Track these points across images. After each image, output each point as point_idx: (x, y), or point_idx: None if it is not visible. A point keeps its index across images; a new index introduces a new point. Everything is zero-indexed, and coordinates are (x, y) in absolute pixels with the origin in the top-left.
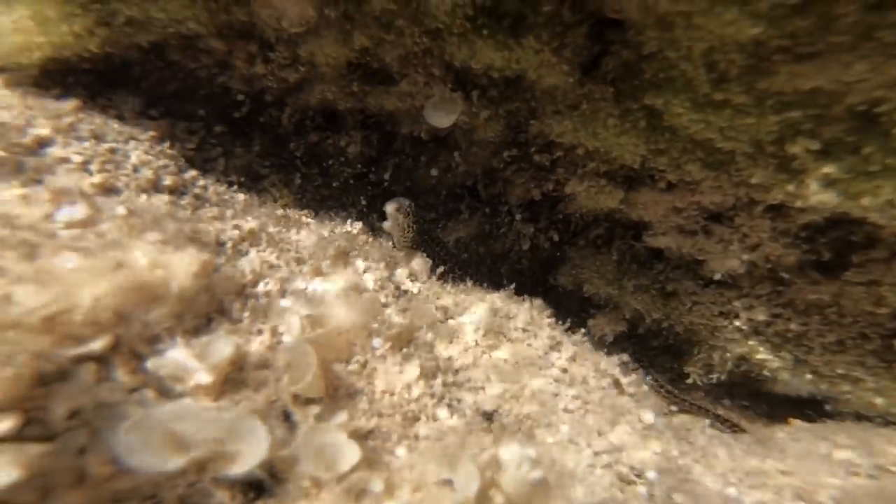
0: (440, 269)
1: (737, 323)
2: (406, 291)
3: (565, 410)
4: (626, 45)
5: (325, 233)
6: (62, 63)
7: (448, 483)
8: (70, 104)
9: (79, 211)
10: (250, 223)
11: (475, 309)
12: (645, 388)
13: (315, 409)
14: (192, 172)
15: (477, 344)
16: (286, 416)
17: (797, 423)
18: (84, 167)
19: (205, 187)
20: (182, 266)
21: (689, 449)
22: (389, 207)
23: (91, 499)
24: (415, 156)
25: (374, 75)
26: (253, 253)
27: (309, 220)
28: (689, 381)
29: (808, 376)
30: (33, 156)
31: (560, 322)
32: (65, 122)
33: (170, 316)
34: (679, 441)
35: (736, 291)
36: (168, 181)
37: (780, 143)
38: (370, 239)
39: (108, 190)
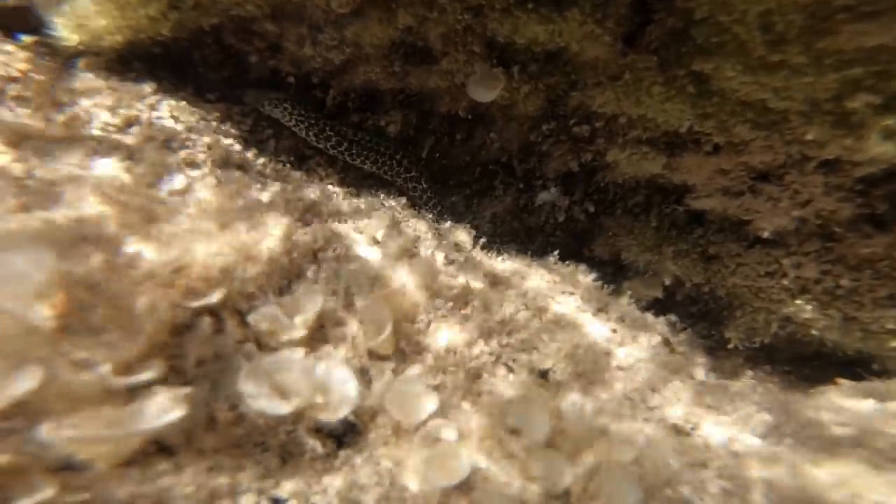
0: (482, 241)
1: (784, 282)
2: (454, 260)
3: (619, 368)
4: (671, 13)
5: (375, 206)
6: (135, 46)
7: (516, 431)
8: (150, 86)
9: (178, 181)
10: (311, 195)
11: (517, 270)
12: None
13: (388, 364)
14: (253, 151)
15: (527, 307)
16: (363, 371)
17: (845, 382)
18: (165, 144)
19: (264, 165)
20: (269, 229)
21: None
22: None
23: (221, 442)
24: (450, 134)
25: (416, 54)
26: (317, 222)
27: (354, 198)
28: (730, 346)
29: (858, 334)
30: (125, 133)
31: (605, 287)
32: (147, 104)
33: (263, 275)
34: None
35: (783, 250)
36: (236, 158)
37: (839, 99)
38: (414, 213)
39: (191, 164)
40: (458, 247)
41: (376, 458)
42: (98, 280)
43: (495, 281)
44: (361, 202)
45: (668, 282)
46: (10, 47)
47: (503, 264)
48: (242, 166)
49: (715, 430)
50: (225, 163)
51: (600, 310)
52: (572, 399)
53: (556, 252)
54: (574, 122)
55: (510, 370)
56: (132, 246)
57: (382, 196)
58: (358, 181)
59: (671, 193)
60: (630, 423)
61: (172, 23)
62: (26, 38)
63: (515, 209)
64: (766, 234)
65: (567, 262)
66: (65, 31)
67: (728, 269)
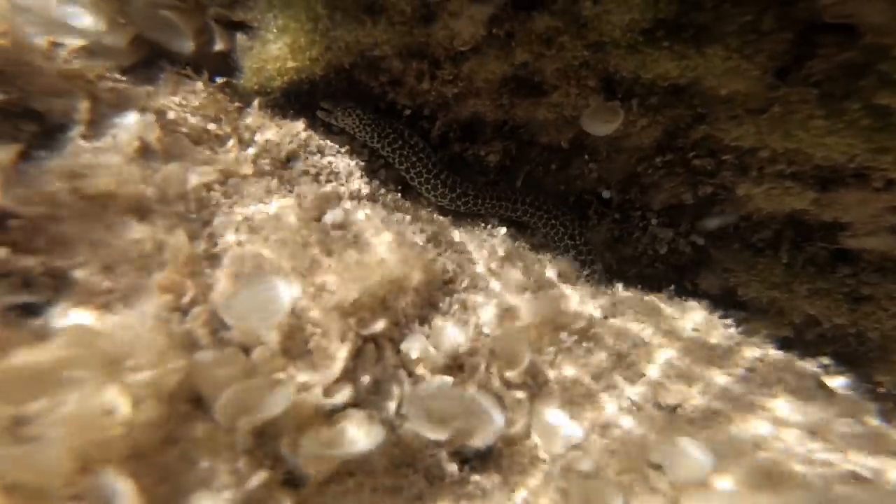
0: (585, 272)
1: None
2: (562, 292)
3: (762, 408)
4: (845, 48)
5: (484, 238)
6: (293, 86)
7: (657, 467)
8: (301, 123)
9: (338, 215)
10: (431, 227)
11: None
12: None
13: (520, 394)
14: (376, 182)
15: (647, 342)
16: (498, 399)
17: None
18: (316, 178)
19: (385, 195)
20: (415, 261)
21: None
22: None
23: (385, 463)
24: (546, 163)
25: (526, 87)
26: (447, 253)
27: (460, 228)
28: (881, 390)
29: None
30: (286, 169)
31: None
32: (301, 139)
33: (410, 305)
34: None
35: None
36: (366, 190)
37: None
38: (516, 242)
39: (337, 198)
40: (562, 278)
41: (511, 485)
42: (301, 309)
43: (607, 314)
44: (471, 233)
45: (797, 321)
46: (210, 89)
47: (613, 297)
48: (373, 197)
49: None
50: (360, 194)
51: (733, 347)
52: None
53: (671, 287)
54: (695, 154)
55: (635, 404)
56: (319, 277)
57: (483, 224)
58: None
59: (814, 230)
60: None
61: (324, 63)
62: (220, 80)
63: (610, 239)
64: None
65: (684, 297)
66: (248, 73)
67: (887, 312)
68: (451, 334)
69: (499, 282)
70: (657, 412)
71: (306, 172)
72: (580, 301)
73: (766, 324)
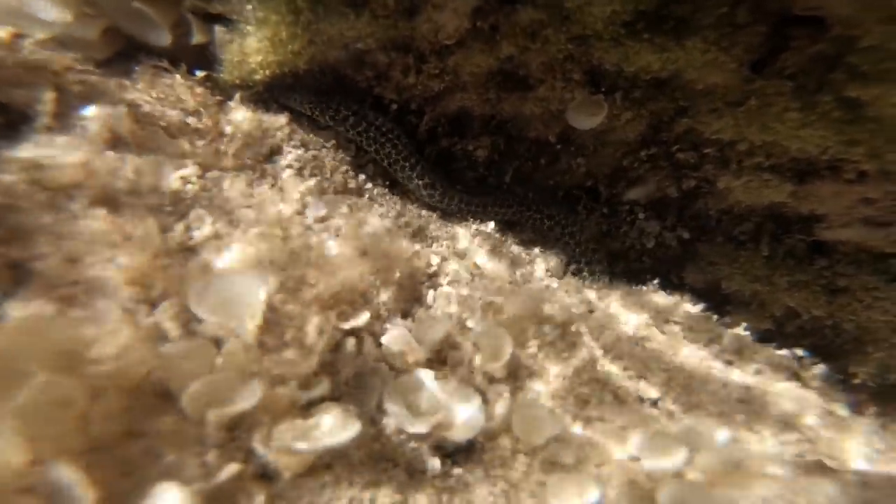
0: (572, 267)
1: None
2: (548, 286)
3: (739, 401)
4: (816, 40)
5: (472, 232)
6: (276, 79)
7: (635, 459)
8: (284, 118)
9: (320, 209)
10: (417, 221)
11: (617, 301)
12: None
13: (502, 387)
14: (362, 176)
15: (631, 336)
16: (480, 393)
17: None
18: (300, 172)
19: (372, 189)
20: (398, 255)
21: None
22: None
23: (364, 456)
24: (535, 158)
25: (512, 81)
26: (424, 246)
27: (447, 221)
28: (856, 381)
29: None
30: (269, 163)
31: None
32: (284, 133)
33: (392, 299)
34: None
35: None
36: (352, 184)
37: None
38: (504, 237)
39: (321, 191)
40: (549, 272)
41: (492, 478)
42: (279, 302)
43: (593, 308)
44: (457, 228)
45: (778, 313)
46: (189, 82)
47: (599, 291)
48: (360, 192)
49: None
50: (345, 188)
51: (712, 340)
52: (686, 426)
53: (656, 280)
54: (678, 147)
55: (617, 397)
56: (298, 270)
57: (472, 221)
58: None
59: (792, 223)
60: (762, 452)
61: (307, 57)
62: (200, 74)
63: (598, 234)
64: None
65: (668, 291)
66: (228, 66)
67: (862, 303)
68: (433, 328)
69: (484, 276)
70: (641, 403)
71: (290, 167)
72: (565, 295)
73: (748, 316)
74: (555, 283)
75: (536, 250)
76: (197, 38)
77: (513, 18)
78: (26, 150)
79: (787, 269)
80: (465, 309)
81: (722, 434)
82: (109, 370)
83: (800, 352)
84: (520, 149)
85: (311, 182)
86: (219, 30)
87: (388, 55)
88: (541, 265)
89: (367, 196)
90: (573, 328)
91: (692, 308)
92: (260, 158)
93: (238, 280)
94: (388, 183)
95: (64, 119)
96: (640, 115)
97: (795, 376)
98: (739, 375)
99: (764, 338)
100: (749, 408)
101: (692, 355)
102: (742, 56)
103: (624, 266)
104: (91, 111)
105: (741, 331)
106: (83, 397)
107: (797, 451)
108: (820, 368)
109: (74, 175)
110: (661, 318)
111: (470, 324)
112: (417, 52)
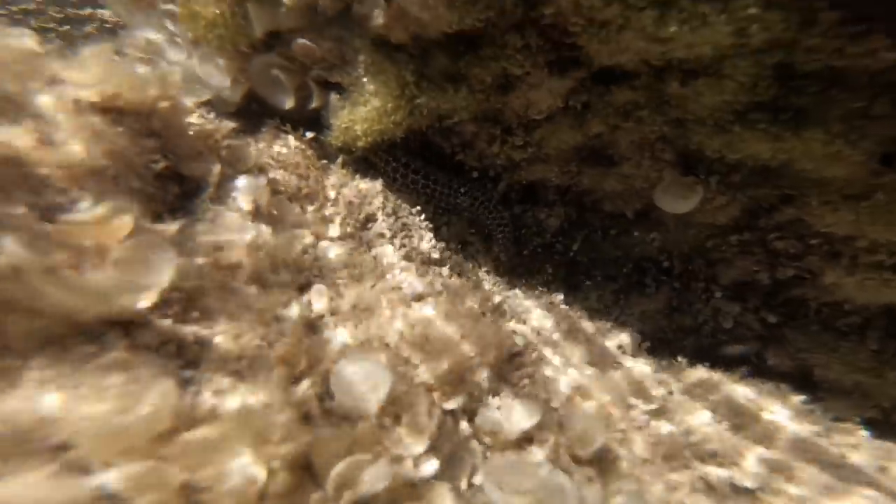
0: (647, 345)
1: None
2: (620, 364)
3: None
4: None
5: (544, 305)
6: (374, 145)
7: None
8: (380, 184)
9: (417, 286)
10: (496, 297)
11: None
12: None
13: (590, 471)
14: (442, 243)
15: (718, 422)
16: (568, 474)
17: None
18: (391, 240)
19: (449, 257)
20: (491, 338)
21: None
22: None
23: None
24: (604, 228)
25: (596, 156)
26: (511, 323)
27: (516, 289)
28: None
29: None
30: (365, 230)
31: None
32: (379, 201)
33: (486, 380)
34: None
35: None
36: (435, 255)
37: None
38: (573, 311)
39: (412, 260)
40: (622, 349)
41: None
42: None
43: (686, 389)
44: (531, 298)
45: (887, 405)
46: (301, 144)
47: (678, 374)
48: (441, 261)
49: None
50: (428, 259)
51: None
52: None
53: (743, 367)
54: (778, 236)
55: (708, 484)
56: (405, 351)
57: (540, 289)
58: (509, 270)
59: None
60: None
61: (405, 126)
62: (309, 135)
63: (667, 308)
64: None
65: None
66: (336, 132)
67: None
68: (522, 408)
69: (564, 356)
70: (734, 492)
71: (382, 235)
72: (650, 377)
73: (848, 404)
74: (629, 361)
75: (608, 324)
76: (315, 103)
77: (607, 99)
78: (208, 232)
79: None
80: (550, 392)
81: None
82: (287, 451)
83: None
84: (592, 219)
85: (402, 252)
86: (334, 97)
87: (477, 125)
88: (613, 341)
89: (448, 265)
90: (663, 409)
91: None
92: (358, 226)
93: (362, 361)
94: (460, 245)
95: (223, 190)
96: (737, 200)
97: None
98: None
99: (868, 425)
100: None
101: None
102: (871, 148)
103: (694, 341)
104: (242, 183)
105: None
106: (262, 475)
107: None
108: None
109: (240, 255)
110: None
111: (555, 404)
112: (505, 124)
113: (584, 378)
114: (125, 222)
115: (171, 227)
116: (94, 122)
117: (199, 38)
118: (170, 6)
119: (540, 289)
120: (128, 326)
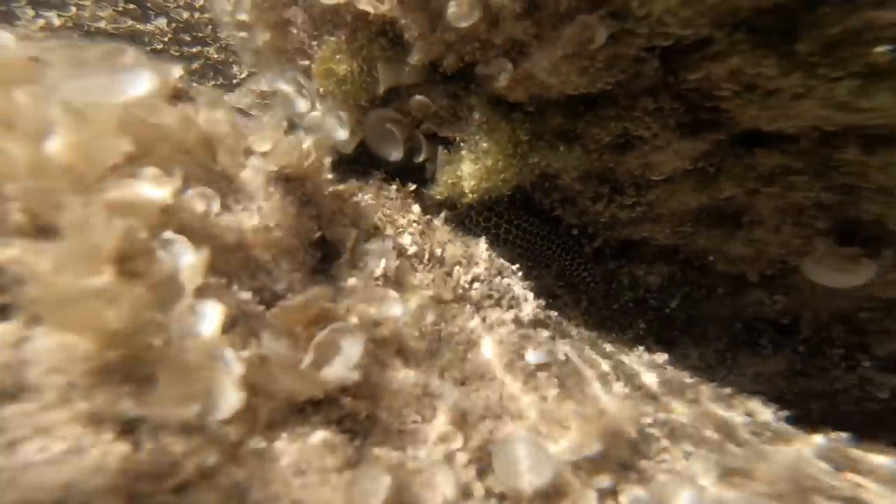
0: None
1: None
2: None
3: None
4: None
5: (644, 362)
6: (478, 202)
7: None
8: (484, 242)
9: (541, 355)
10: (605, 366)
11: None
12: None
13: None
14: (541, 302)
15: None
16: None
17: None
18: (498, 303)
19: (548, 317)
20: (628, 411)
21: None
22: None
23: None
24: (710, 287)
25: (719, 217)
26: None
27: (607, 345)
28: None
29: None
30: (471, 291)
31: None
32: (485, 258)
33: (627, 455)
34: None
35: None
36: (541, 315)
37: None
38: (679, 371)
39: (518, 323)
40: (763, 427)
41: None
42: None
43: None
44: (629, 355)
45: None
46: (407, 199)
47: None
48: (546, 324)
49: None
50: (534, 322)
51: None
52: None
53: None
54: None
55: None
56: (545, 427)
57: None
58: (597, 324)
59: None
60: None
61: (513, 183)
62: (411, 187)
63: (790, 371)
64: None
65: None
66: (442, 186)
67: None
68: (670, 488)
69: (694, 429)
70: None
71: (490, 296)
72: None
73: None
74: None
75: (703, 388)
76: (422, 156)
77: (747, 162)
78: (362, 304)
79: None
80: (695, 470)
81: None
82: None
83: None
84: (695, 276)
85: (510, 315)
86: (441, 151)
87: (584, 183)
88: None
89: (552, 326)
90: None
91: None
92: (465, 287)
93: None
94: (550, 300)
95: (356, 254)
96: None
97: None
98: None
99: None
100: None
101: None
102: None
103: (829, 406)
104: (373, 247)
105: None
106: None
107: None
108: None
109: (389, 329)
110: None
111: (704, 482)
112: (616, 183)
113: (741, 461)
114: (321, 306)
115: (341, 305)
116: (279, 195)
117: (328, 92)
118: (305, 62)
119: (639, 347)
120: (318, 404)
